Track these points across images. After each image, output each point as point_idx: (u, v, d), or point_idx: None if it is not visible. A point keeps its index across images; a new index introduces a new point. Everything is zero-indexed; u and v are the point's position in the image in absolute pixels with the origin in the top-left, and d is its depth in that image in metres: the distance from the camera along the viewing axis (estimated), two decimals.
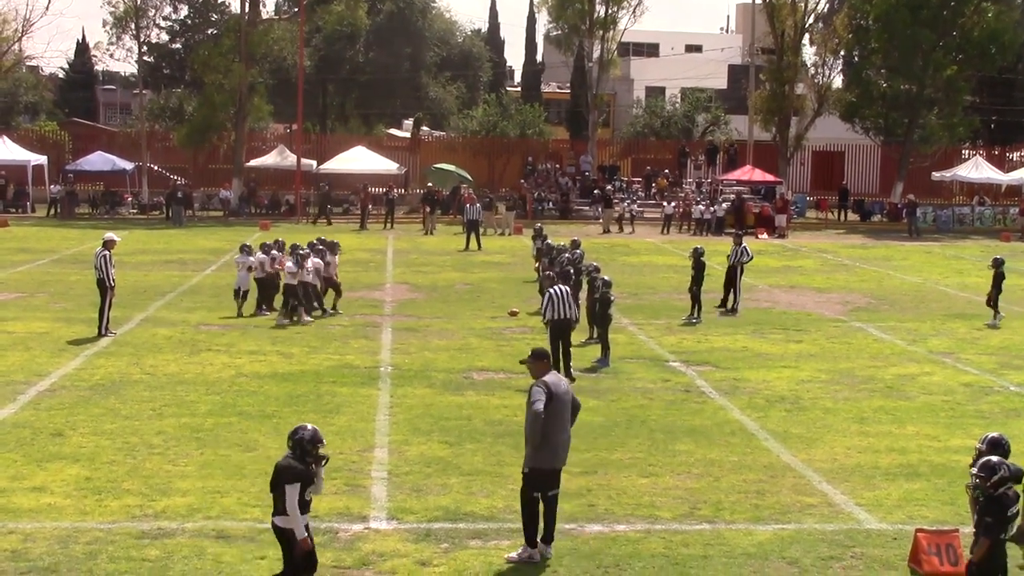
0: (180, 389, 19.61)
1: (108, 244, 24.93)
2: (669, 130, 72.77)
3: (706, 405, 19.25)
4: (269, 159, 62.69)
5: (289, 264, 26.50)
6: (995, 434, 10.86)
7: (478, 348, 23.92)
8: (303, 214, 58.16)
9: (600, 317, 22.85)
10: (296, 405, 18.61)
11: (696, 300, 27.97)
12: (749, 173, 60.36)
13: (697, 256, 28.02)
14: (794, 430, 17.61)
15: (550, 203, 60.64)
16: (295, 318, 26.37)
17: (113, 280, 24.77)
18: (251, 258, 27.96)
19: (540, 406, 11.76)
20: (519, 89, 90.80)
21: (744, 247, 29.99)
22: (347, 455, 15.78)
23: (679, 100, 76.96)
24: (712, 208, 55.58)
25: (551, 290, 20.79)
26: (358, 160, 61.75)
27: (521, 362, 12.69)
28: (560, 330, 20.52)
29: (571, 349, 20.82)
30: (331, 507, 13.56)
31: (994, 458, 9.92)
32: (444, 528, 12.92)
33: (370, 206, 55.11)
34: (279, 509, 10.29)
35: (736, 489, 14.57)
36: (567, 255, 27.67)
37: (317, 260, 27.31)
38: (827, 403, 19.47)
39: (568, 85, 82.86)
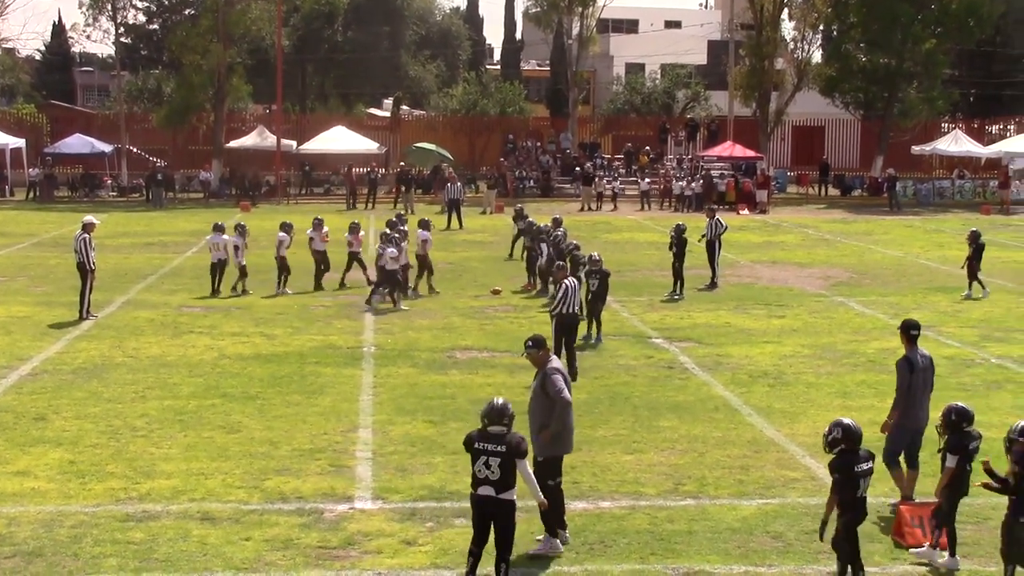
0: (163, 371, 19.56)
1: (88, 227, 24.83)
2: (649, 107, 72.74)
3: (689, 381, 19.28)
4: (249, 140, 62.47)
5: (392, 250, 26.13)
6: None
7: (461, 327, 23.91)
8: (283, 195, 57.99)
9: (595, 296, 22.43)
10: (280, 386, 18.58)
11: (678, 277, 28.05)
12: (730, 149, 60.41)
13: (679, 233, 28.09)
14: (777, 405, 17.67)
15: (531, 181, 60.58)
16: (393, 303, 26.10)
17: (94, 263, 24.68)
18: (286, 236, 28.06)
19: (568, 395, 11.74)
20: (499, 67, 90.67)
21: (718, 219, 30.11)
22: (331, 435, 15.78)
23: (659, 76, 76.93)
24: (692, 184, 55.58)
25: (567, 282, 19.54)
26: (338, 140, 61.59)
27: (524, 355, 12.27)
28: (568, 326, 19.39)
29: (574, 348, 19.61)
30: (316, 488, 13.56)
31: None
32: (429, 507, 12.93)
33: (356, 186, 54.98)
34: (510, 483, 10.31)
35: (720, 464, 14.62)
36: (557, 233, 27.63)
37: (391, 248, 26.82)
38: (810, 378, 19.53)
39: (548, 63, 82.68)
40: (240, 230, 28.37)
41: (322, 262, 28.95)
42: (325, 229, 29.41)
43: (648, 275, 31.50)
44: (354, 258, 28.93)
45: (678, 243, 27.98)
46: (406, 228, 29.08)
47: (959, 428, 11.28)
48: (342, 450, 15.13)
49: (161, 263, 33.68)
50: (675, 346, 22.12)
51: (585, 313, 21.25)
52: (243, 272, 28.03)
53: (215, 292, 27.91)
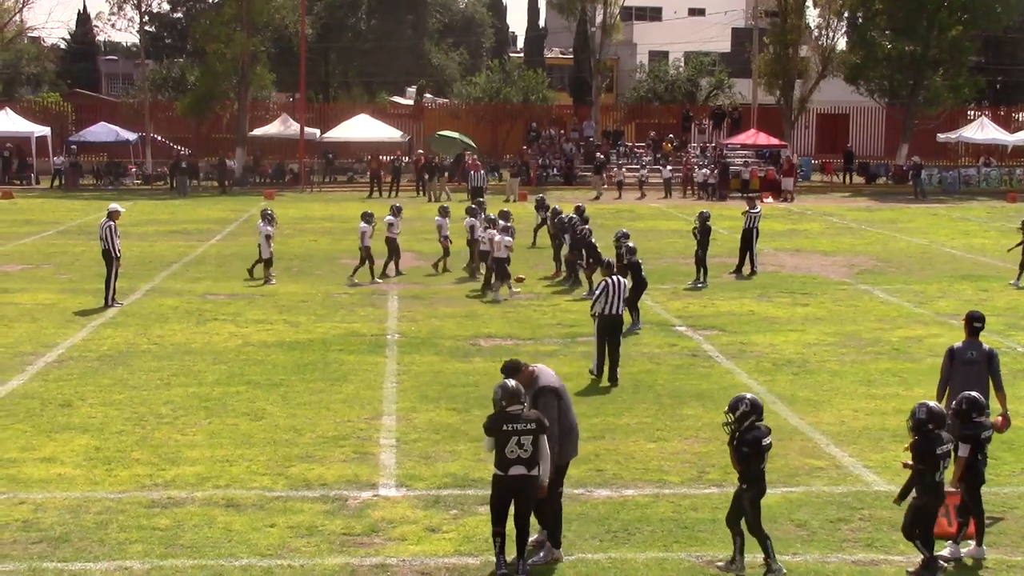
0: (187, 359, 19.63)
1: (113, 215, 24.92)
2: (673, 94, 72.53)
3: (713, 369, 19.25)
4: (272, 128, 62.60)
5: (507, 239, 26.20)
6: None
7: (485, 315, 23.92)
8: (307, 183, 58.09)
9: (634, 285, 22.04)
10: (303, 373, 18.62)
11: (701, 265, 28.00)
12: (753, 137, 60.21)
13: (703, 221, 28.04)
14: (801, 393, 17.61)
15: (554, 169, 60.50)
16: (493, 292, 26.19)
17: (119, 251, 24.77)
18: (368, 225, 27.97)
19: (556, 423, 11.08)
20: (522, 55, 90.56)
21: (758, 210, 30.12)
22: (355, 423, 15.81)
23: (682, 64, 76.68)
24: (715, 172, 55.41)
25: (608, 280, 18.46)
26: (361, 128, 61.66)
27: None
28: (610, 327, 18.24)
29: (619, 350, 18.34)
30: (340, 475, 13.59)
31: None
32: (453, 495, 12.94)
33: (382, 173, 55.02)
34: (538, 460, 10.59)
35: None
36: (577, 221, 27.59)
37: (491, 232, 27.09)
38: (834, 366, 19.47)
39: (571, 50, 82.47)
40: (268, 218, 28.33)
41: (395, 251, 28.78)
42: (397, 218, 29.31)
43: (671, 263, 31.44)
44: (394, 244, 28.78)
45: (702, 231, 27.93)
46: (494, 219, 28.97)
47: (969, 418, 11.25)
48: (366, 437, 15.16)
49: (185, 251, 33.78)
50: (699, 334, 22.08)
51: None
52: (269, 261, 28.03)
53: (250, 273, 28.46)
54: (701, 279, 27.93)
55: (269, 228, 28.00)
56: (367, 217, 28.04)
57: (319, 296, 26.04)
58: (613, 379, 17.92)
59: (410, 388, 17.75)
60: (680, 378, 18.57)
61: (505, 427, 10.47)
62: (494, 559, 10.68)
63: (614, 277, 18.54)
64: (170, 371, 18.76)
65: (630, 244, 23.01)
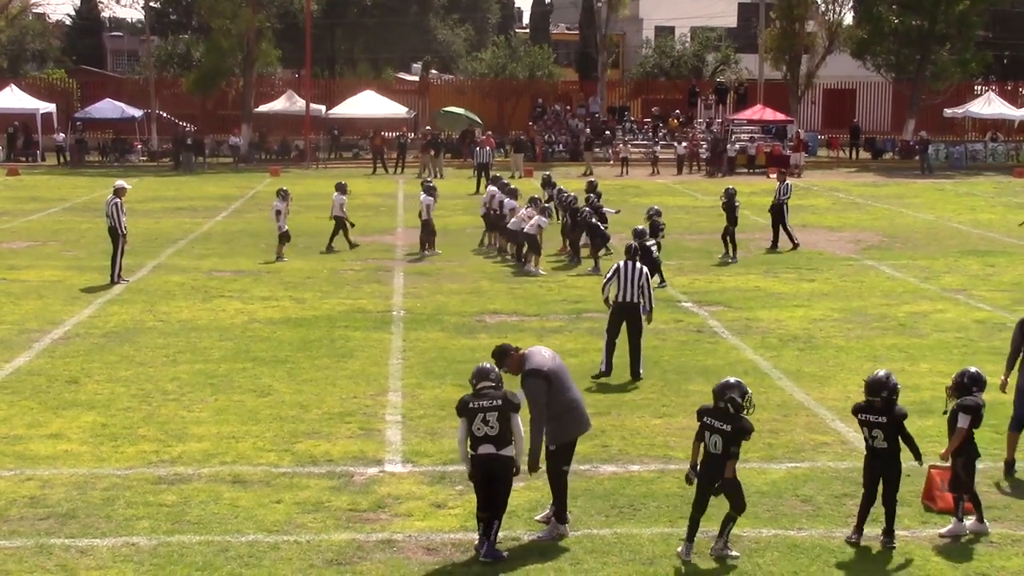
0: (193, 335, 19.65)
1: (119, 191, 24.92)
2: (679, 70, 72.27)
3: (719, 345, 19.24)
4: (278, 105, 62.50)
5: (543, 219, 26.40)
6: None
7: (490, 291, 23.91)
8: (312, 159, 58.04)
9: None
10: (309, 350, 18.64)
11: (731, 240, 27.96)
12: (760, 112, 60.03)
13: (729, 197, 28.00)
14: (807, 369, 17.61)
15: (560, 146, 60.37)
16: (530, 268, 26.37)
17: (125, 227, 24.78)
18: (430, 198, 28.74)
19: (541, 407, 10.91)
20: (528, 31, 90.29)
21: (788, 184, 30.08)
22: (360, 399, 15.82)
23: (689, 39, 76.41)
24: (723, 148, 55.28)
25: (619, 264, 17.18)
26: (367, 105, 61.56)
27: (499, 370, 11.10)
28: (624, 315, 16.99)
29: (640, 343, 17.12)
30: (346, 451, 13.61)
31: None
32: (459, 471, 12.91)
33: (385, 150, 54.97)
34: (508, 439, 10.53)
35: None
36: (585, 209, 27.61)
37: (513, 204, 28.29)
38: (840, 341, 19.45)
39: (577, 26, 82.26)
40: (283, 195, 28.25)
41: (431, 229, 28.95)
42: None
43: (678, 239, 31.38)
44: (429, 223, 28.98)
45: (728, 207, 27.89)
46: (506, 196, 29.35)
47: (968, 392, 11.29)
48: (372, 414, 15.17)
49: (191, 228, 33.78)
50: (704, 310, 22.07)
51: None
52: (285, 237, 27.96)
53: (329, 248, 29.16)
54: (731, 255, 27.91)
55: (281, 204, 27.90)
56: (429, 190, 28.89)
57: (325, 273, 26.04)
58: (636, 374, 16.90)
59: (416, 364, 17.76)
60: (686, 354, 18.56)
61: (471, 404, 10.48)
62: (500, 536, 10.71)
63: (628, 261, 17.14)
64: (176, 348, 18.78)
65: (638, 228, 22.38)
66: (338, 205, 29.23)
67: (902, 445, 10.90)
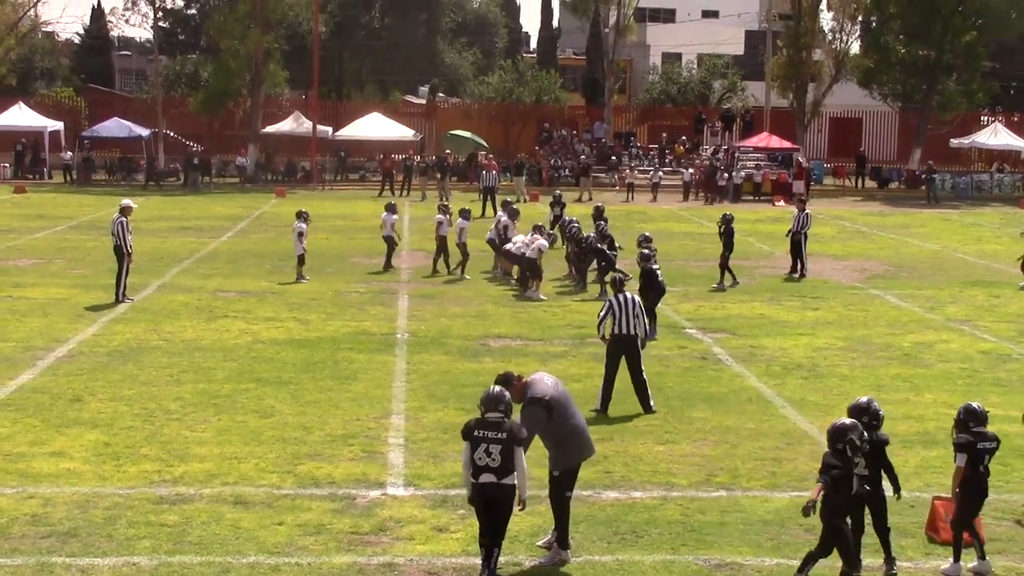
0: (197, 355, 19.65)
1: (125, 210, 24.94)
2: (686, 96, 72.42)
3: (723, 372, 19.22)
4: (285, 125, 62.65)
5: (542, 241, 26.58)
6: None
7: (494, 315, 23.91)
8: (319, 181, 58.13)
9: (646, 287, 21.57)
10: (313, 372, 18.63)
11: (725, 268, 27.95)
12: (766, 140, 60.13)
13: (727, 223, 28.03)
14: (811, 397, 17.58)
15: (566, 170, 60.45)
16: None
17: (130, 246, 24.80)
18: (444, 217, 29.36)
19: (532, 437, 10.88)
20: (535, 55, 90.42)
21: (807, 213, 30.11)
22: (364, 421, 15.81)
23: (696, 66, 76.57)
24: (727, 175, 55.28)
25: (612, 299, 16.81)
26: (374, 127, 61.69)
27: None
28: (623, 348, 16.63)
29: (644, 374, 16.77)
30: (348, 473, 13.59)
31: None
32: (461, 495, 12.87)
33: (393, 172, 55.05)
34: (511, 469, 10.33)
35: (753, 456, 14.56)
36: (590, 235, 27.63)
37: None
38: (844, 370, 19.43)
39: (584, 51, 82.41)
40: (304, 216, 28.29)
41: (463, 253, 29.06)
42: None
43: (683, 265, 31.40)
44: (442, 241, 29.22)
45: (726, 233, 27.90)
46: (447, 217, 29.46)
47: (967, 427, 11.02)
48: (375, 436, 15.16)
49: (197, 247, 33.82)
50: (709, 337, 22.05)
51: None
52: (301, 260, 27.95)
53: (387, 267, 29.62)
54: (721, 282, 27.88)
55: (303, 225, 27.96)
56: (464, 214, 29.34)
57: (329, 294, 26.05)
58: (647, 407, 16.56)
59: (419, 387, 17.75)
60: (689, 380, 18.55)
61: (477, 432, 10.37)
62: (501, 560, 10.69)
63: (622, 295, 16.74)
64: (180, 367, 18.78)
65: (644, 251, 22.38)
66: (389, 225, 29.52)
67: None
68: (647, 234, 25.10)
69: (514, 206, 31.09)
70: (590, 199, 51.22)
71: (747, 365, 19.71)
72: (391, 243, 29.80)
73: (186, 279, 27.98)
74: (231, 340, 20.95)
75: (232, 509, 12.36)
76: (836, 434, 10.22)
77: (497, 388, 10.64)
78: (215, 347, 20.33)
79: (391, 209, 30.09)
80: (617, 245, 27.84)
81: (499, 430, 10.32)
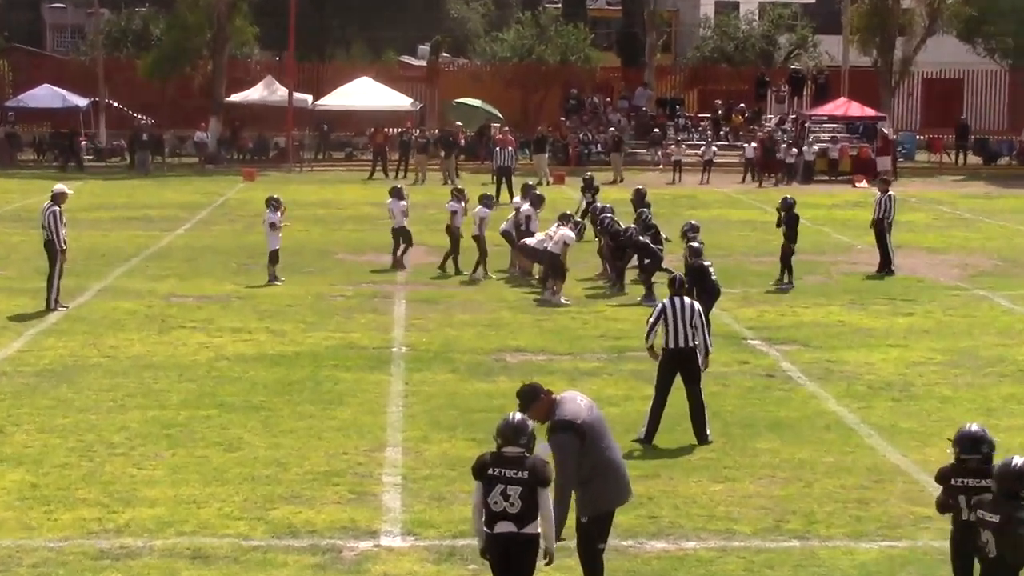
0: (147, 375, 19.64)
1: (58, 198, 24.94)
2: (744, 55, 72.42)
3: (794, 393, 19.16)
4: (254, 93, 62.75)
5: (569, 233, 26.41)
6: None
7: (512, 323, 23.87)
8: (296, 160, 58.21)
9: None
10: (289, 394, 18.61)
11: (787, 263, 27.87)
12: (844, 107, 60.01)
13: (787, 209, 27.93)
14: (904, 424, 17.50)
15: (598, 145, 60.45)
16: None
17: (65, 242, 24.81)
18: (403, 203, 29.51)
19: (571, 469, 10.83)
20: (559, 6, 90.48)
21: (891, 195, 30.20)
22: (352, 456, 15.77)
23: (757, 17, 76.55)
24: (795, 151, 55.06)
25: (665, 302, 16.83)
26: (363, 94, 61.69)
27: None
28: (677, 364, 16.68)
29: (702, 396, 16.80)
30: (333, 520, 13.55)
31: None
32: (471, 545, 12.78)
33: (387, 149, 55.09)
34: (533, 515, 10.21)
35: (832, 497, 14.48)
36: (630, 227, 27.54)
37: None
38: (945, 390, 19.34)
39: (619, 1, 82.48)
40: (274, 204, 28.03)
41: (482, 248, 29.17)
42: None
43: (741, 261, 31.33)
44: (457, 233, 29.35)
45: (787, 221, 27.82)
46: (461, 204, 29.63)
47: (956, 455, 10.75)
48: (365, 474, 15.11)
49: (146, 242, 33.88)
50: (776, 349, 21.99)
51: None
52: (275, 256, 27.80)
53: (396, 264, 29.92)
54: (785, 279, 27.84)
55: (275, 215, 27.79)
56: (486, 200, 29.44)
57: (309, 299, 26.04)
58: (702, 437, 16.54)
59: (420, 413, 17.70)
60: (753, 403, 18.48)
61: (492, 471, 10.23)
62: None
63: (677, 298, 16.78)
64: (125, 390, 18.76)
65: (694, 244, 22.39)
66: (399, 213, 29.66)
67: None
68: (694, 222, 24.92)
69: (537, 191, 31.02)
70: (621, 180, 51.31)
71: (824, 384, 19.63)
72: (402, 236, 29.74)
73: (133, 281, 28.00)
74: (188, 356, 20.93)
75: (190, 565, 12.32)
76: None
77: (518, 416, 10.45)
78: (169, 365, 20.32)
79: (397, 194, 30.00)
80: (664, 237, 27.68)
81: (519, 468, 10.16)
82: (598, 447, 11.06)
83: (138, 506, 13.92)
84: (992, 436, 10.77)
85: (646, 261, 26.56)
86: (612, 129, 58.41)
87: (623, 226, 27.58)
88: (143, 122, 61.05)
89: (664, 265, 26.15)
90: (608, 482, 11.16)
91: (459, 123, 59.05)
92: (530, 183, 33.38)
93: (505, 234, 29.50)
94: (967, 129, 63.88)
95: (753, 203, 45.29)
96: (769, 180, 52.91)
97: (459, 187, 31.75)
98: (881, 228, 29.83)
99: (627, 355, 21.11)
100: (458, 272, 29.01)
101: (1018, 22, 61.59)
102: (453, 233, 29.20)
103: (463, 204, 29.59)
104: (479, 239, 28.71)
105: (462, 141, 57.02)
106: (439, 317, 24.43)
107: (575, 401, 11.16)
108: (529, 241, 27.71)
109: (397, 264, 29.74)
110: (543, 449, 10.72)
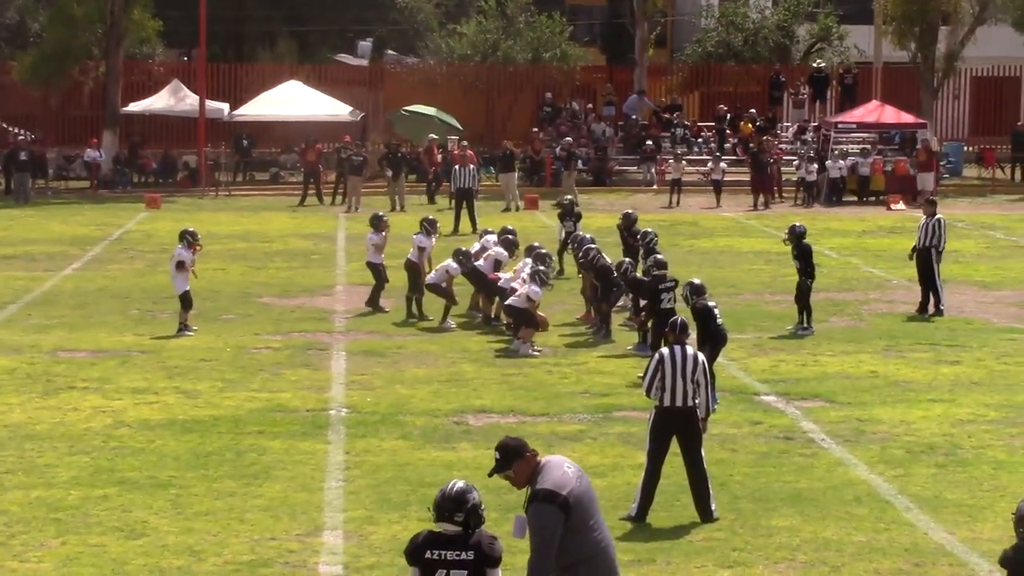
0: (29, 447, 19.63)
1: None
2: (756, 50, 72.53)
3: (816, 459, 19.25)
4: (158, 102, 62.52)
5: (535, 289, 26.32)
6: None
7: (475, 379, 23.94)
8: (210, 183, 58.07)
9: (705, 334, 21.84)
10: (205, 468, 18.62)
11: (805, 303, 27.87)
12: (876, 112, 60.13)
13: (798, 238, 27.94)
14: (950, 495, 17.60)
15: (579, 161, 60.47)
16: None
17: None
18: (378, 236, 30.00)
19: (550, 549, 10.88)
20: None
21: (939, 219, 30.31)
22: (282, 541, 15.80)
23: (770, 4, 76.83)
24: (815, 166, 55.00)
25: (664, 352, 16.95)
26: (292, 102, 61.55)
27: (492, 475, 11.27)
28: (673, 426, 16.76)
29: (705, 464, 16.88)
30: None
31: None
32: None
33: (321, 168, 55.07)
34: None
35: None
36: (649, 233, 27.68)
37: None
38: (998, 454, 19.46)
39: None
40: (188, 239, 27.87)
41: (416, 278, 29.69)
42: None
43: (752, 300, 31.46)
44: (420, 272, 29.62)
45: (800, 253, 27.82)
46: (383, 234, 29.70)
47: (1020, 535, 10.84)
48: (299, 563, 15.16)
49: (27, 285, 33.81)
50: (795, 407, 22.08)
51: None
52: (186, 301, 27.67)
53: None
54: (804, 323, 27.88)
55: (186, 253, 27.67)
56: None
57: (228, 352, 26.05)
58: (706, 514, 16.62)
59: (363, 488, 17.75)
60: (767, 472, 18.56)
61: (429, 555, 10.28)
62: None
63: (678, 346, 16.97)
64: (4, 465, 18.76)
65: (696, 281, 22.44)
66: (371, 247, 30.07)
67: None
68: (650, 229, 25.08)
69: (510, 236, 30.48)
70: (569, 203, 50.68)
71: (853, 448, 19.73)
72: (373, 273, 30.10)
73: (11, 333, 27.97)
74: (80, 424, 20.92)
75: None
76: None
77: (459, 485, 10.41)
78: (56, 434, 20.30)
79: (377, 225, 30.20)
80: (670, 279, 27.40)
81: (462, 548, 10.22)
82: (586, 525, 11.01)
83: None
84: None
85: (641, 303, 26.19)
86: (567, 139, 57.50)
87: (619, 261, 27.29)
88: (20, 138, 60.84)
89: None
90: (596, 569, 11.16)
91: (407, 136, 59.01)
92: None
93: (467, 274, 29.16)
94: None
95: (766, 230, 45.43)
96: (763, 201, 52.31)
97: (431, 218, 31.37)
98: (928, 258, 29.89)
99: (614, 415, 21.20)
100: (421, 317, 29.06)
101: None
102: (413, 269, 29.19)
103: (432, 239, 29.63)
104: (416, 270, 28.91)
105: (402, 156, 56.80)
106: (386, 372, 24.46)
107: (562, 467, 11.05)
108: (493, 273, 27.77)
109: (372, 304, 29.94)
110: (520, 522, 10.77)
